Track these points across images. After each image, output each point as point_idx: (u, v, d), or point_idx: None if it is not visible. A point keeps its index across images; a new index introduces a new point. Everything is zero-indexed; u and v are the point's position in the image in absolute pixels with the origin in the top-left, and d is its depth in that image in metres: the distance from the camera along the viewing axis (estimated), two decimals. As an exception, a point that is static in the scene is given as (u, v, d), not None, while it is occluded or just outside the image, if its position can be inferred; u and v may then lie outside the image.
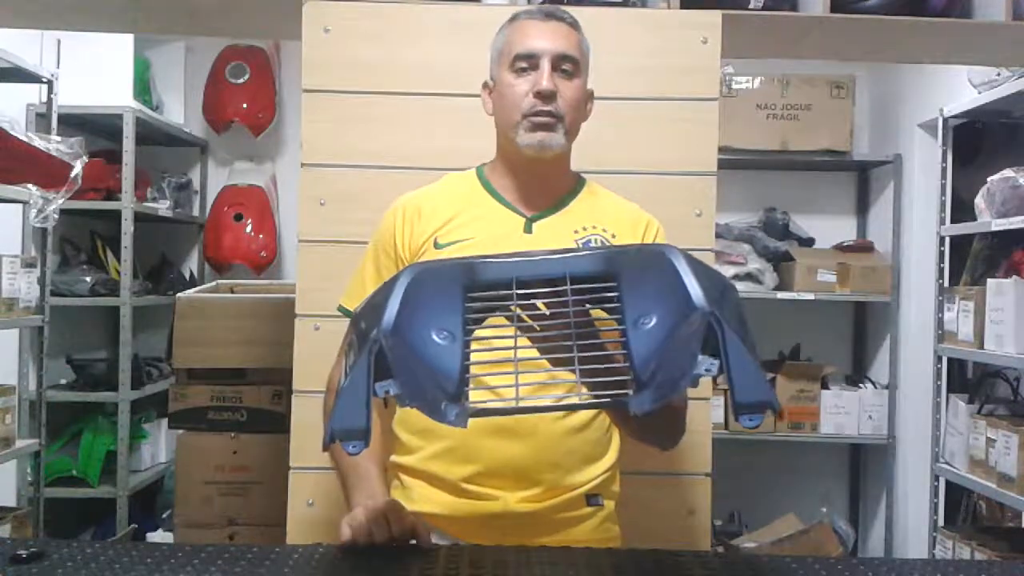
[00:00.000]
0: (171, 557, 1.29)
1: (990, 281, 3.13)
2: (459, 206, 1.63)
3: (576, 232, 1.61)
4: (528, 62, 1.58)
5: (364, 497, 1.47)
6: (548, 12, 1.62)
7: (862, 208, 4.43)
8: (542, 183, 1.64)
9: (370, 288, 1.52)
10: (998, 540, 3.10)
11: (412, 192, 1.70)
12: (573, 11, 1.66)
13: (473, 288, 1.20)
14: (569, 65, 1.59)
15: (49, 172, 2.96)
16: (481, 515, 1.54)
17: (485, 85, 1.68)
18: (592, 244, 1.59)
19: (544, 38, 1.58)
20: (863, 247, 4.17)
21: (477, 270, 1.21)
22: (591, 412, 1.59)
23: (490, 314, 1.22)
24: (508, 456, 1.54)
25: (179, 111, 4.28)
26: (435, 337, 1.16)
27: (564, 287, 1.18)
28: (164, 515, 3.74)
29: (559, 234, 1.59)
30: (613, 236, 1.62)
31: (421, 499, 1.58)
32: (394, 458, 1.66)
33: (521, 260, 1.23)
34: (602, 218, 1.64)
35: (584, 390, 1.17)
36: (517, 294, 1.19)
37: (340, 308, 1.70)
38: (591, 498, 1.61)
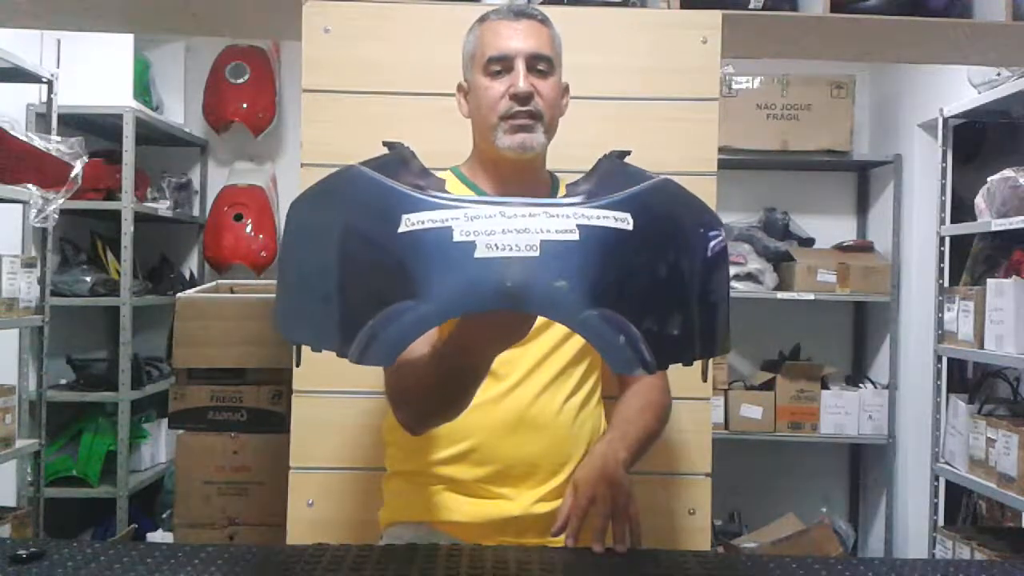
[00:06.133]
0: (171, 557, 1.30)
1: (990, 281, 3.12)
2: None
3: None
4: (502, 64, 1.56)
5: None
6: (518, 11, 1.60)
7: (862, 208, 4.43)
8: (521, 182, 1.61)
9: None
10: (998, 540, 3.09)
11: None
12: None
13: None
14: (544, 64, 1.57)
15: (49, 172, 2.96)
16: (499, 519, 1.55)
17: (460, 88, 1.67)
18: None
19: (516, 38, 1.56)
20: (863, 247, 4.17)
21: None
22: (591, 405, 1.63)
23: None
24: (525, 453, 1.55)
25: (179, 111, 4.28)
26: None
27: None
28: (164, 515, 3.74)
29: None
30: None
31: (436, 507, 1.58)
32: (397, 466, 1.65)
33: None
34: None
35: None
36: None
37: None
38: None
